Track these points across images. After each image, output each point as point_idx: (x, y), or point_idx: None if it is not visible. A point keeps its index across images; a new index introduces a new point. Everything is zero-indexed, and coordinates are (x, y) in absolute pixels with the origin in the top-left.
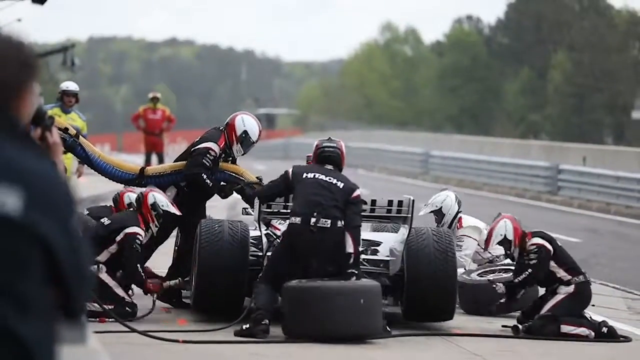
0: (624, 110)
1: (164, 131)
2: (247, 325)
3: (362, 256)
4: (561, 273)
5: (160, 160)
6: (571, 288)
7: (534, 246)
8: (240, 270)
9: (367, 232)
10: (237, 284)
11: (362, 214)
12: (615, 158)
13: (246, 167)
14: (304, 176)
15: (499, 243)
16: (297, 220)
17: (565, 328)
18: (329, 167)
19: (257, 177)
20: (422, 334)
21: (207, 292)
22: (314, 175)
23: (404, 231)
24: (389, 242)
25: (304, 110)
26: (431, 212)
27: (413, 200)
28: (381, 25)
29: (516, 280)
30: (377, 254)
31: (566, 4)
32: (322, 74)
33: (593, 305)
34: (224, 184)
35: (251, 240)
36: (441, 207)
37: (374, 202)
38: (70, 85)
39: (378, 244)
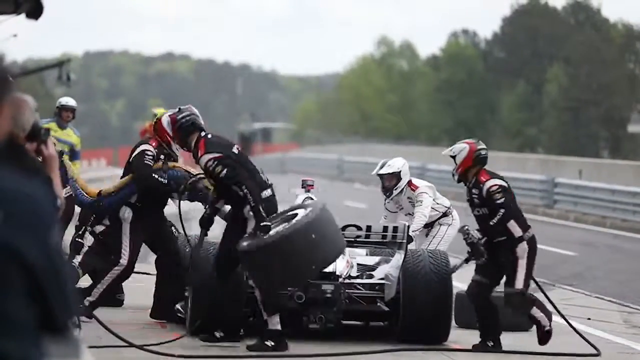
0: (619, 124)
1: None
2: (272, 343)
3: (358, 280)
4: (515, 229)
5: None
6: (525, 245)
7: (496, 187)
8: (237, 289)
9: (362, 257)
10: (235, 302)
11: (358, 239)
12: (611, 171)
13: None
14: None
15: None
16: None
17: (535, 310)
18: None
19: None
20: (418, 349)
21: (204, 312)
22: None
23: (399, 257)
24: (384, 267)
25: (300, 125)
26: (389, 174)
27: (408, 227)
28: (377, 39)
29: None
30: (373, 278)
31: (562, 18)
32: (318, 88)
33: (589, 319)
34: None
35: None
36: (400, 171)
37: (369, 227)
38: (69, 101)
39: (374, 268)
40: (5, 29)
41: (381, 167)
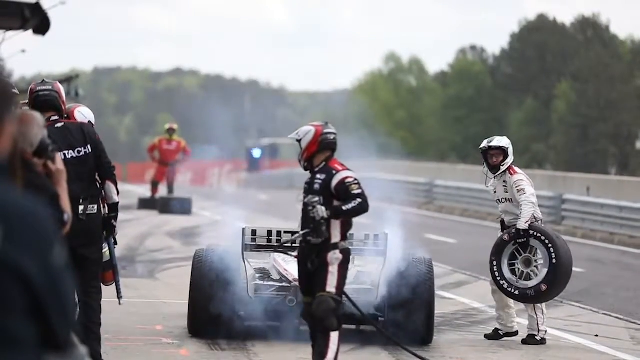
0: (628, 140)
1: (179, 163)
2: None
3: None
4: (336, 232)
5: (170, 190)
6: (338, 254)
7: (353, 178)
8: (233, 297)
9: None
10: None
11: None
12: (619, 188)
13: (251, 197)
14: None
15: None
16: None
17: (335, 335)
18: None
19: None
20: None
21: (201, 319)
22: None
23: (380, 263)
24: (370, 273)
25: None
26: (498, 147)
27: (387, 235)
28: (385, 55)
29: None
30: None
31: (570, 34)
32: (326, 104)
33: (596, 336)
34: None
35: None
36: (508, 149)
37: (351, 235)
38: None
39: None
40: (14, 44)
41: (490, 141)
